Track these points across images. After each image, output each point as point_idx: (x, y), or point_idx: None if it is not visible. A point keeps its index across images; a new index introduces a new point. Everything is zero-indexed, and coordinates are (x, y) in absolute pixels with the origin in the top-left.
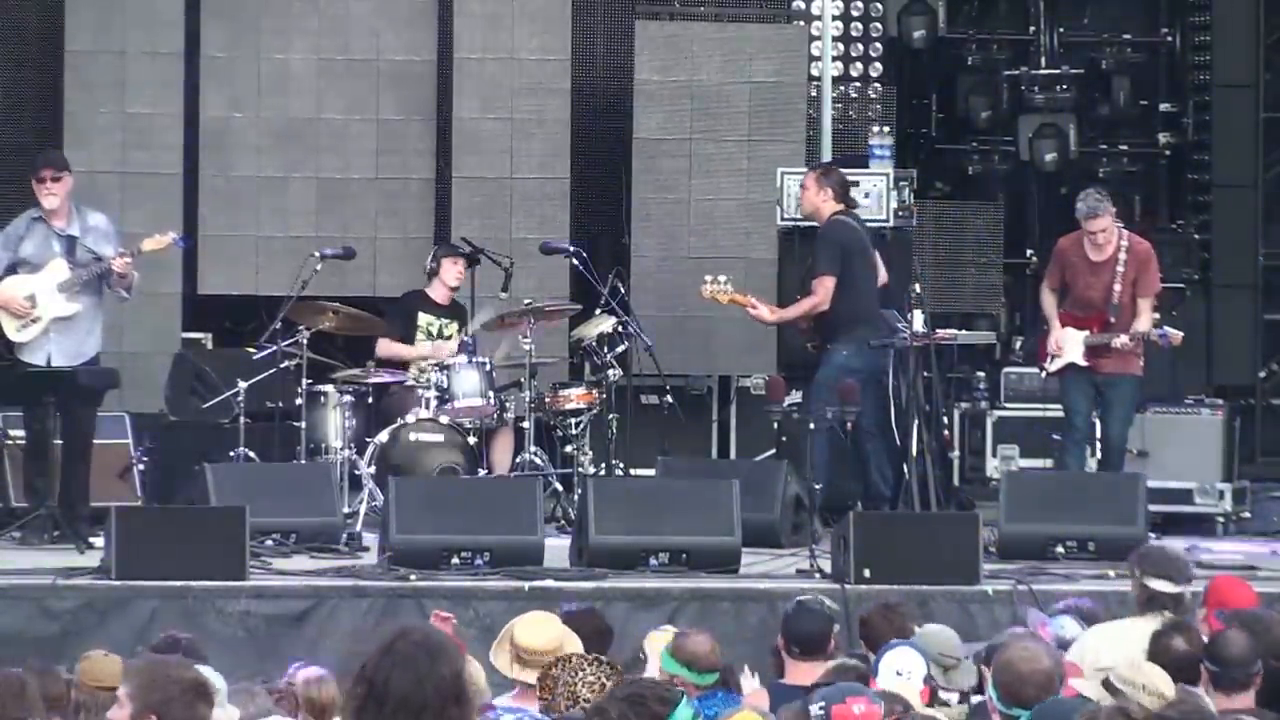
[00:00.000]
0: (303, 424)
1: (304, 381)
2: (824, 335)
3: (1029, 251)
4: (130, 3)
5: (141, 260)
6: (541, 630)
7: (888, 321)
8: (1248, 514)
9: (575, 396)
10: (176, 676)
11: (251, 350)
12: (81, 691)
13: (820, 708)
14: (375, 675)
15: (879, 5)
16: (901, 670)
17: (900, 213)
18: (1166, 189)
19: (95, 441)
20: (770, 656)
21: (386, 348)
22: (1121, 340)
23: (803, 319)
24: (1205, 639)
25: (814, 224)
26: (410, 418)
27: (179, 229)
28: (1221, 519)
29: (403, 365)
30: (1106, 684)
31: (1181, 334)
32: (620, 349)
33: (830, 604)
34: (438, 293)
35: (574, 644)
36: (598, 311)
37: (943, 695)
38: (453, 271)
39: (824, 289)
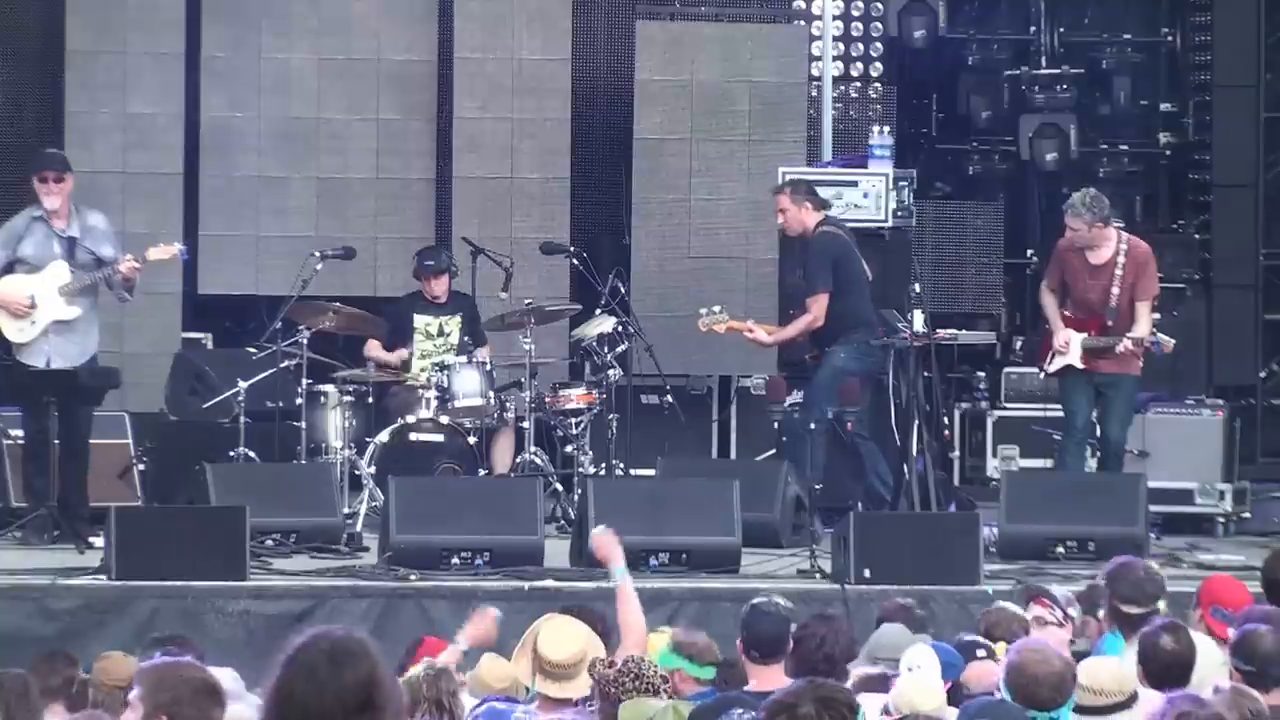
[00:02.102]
0: (303, 424)
1: (304, 381)
2: (822, 342)
3: (1029, 251)
4: (130, 3)
5: (145, 267)
6: (566, 641)
7: (884, 319)
8: (1248, 514)
9: (575, 396)
10: (187, 677)
11: (251, 350)
12: (99, 691)
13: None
14: (281, 686)
15: (879, 5)
16: (912, 665)
17: (900, 213)
18: (1167, 189)
19: (95, 441)
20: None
21: (369, 349)
22: (1124, 345)
23: (800, 336)
24: (1232, 638)
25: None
26: (410, 418)
27: (179, 229)
28: (1222, 519)
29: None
30: None
31: (1173, 341)
32: (620, 349)
33: (786, 604)
34: (428, 293)
35: (598, 650)
36: (598, 311)
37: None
38: (427, 286)
39: (819, 306)
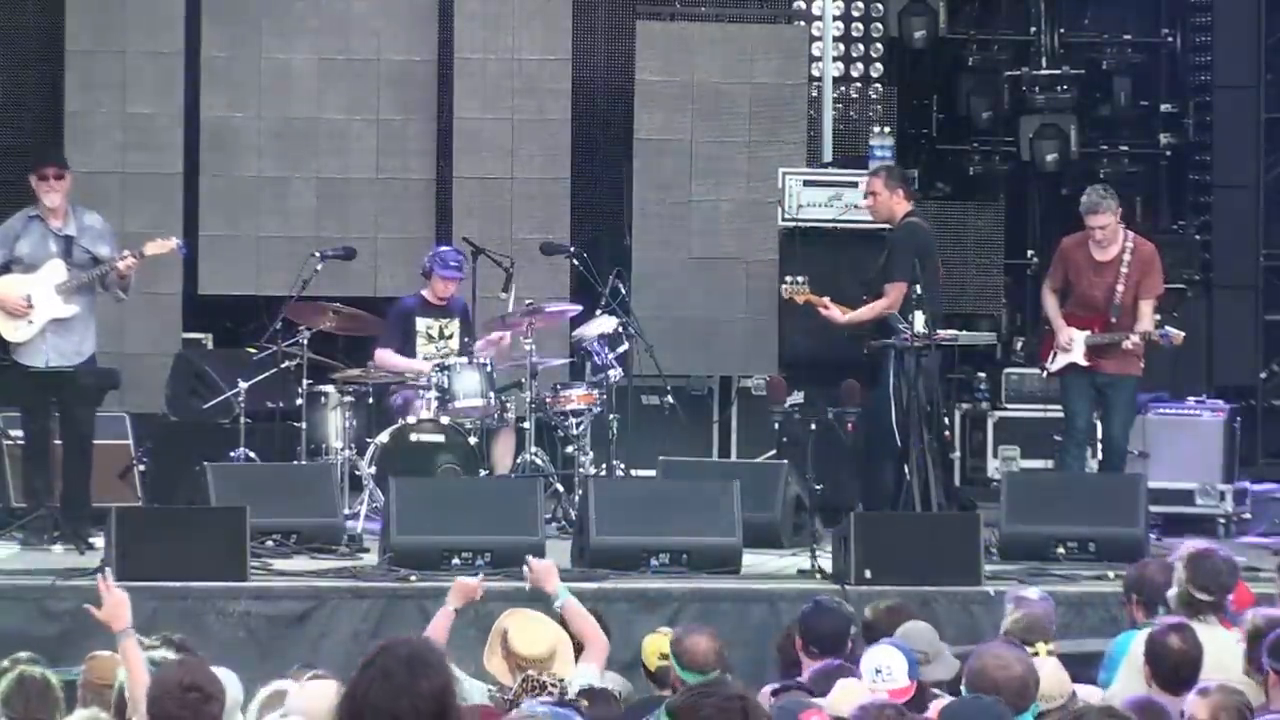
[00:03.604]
0: (303, 424)
1: (304, 382)
2: (885, 331)
3: (1030, 252)
4: (130, 3)
5: (142, 262)
6: (538, 636)
7: (886, 320)
8: (1248, 515)
9: (576, 397)
10: (175, 678)
11: (252, 350)
12: (88, 690)
13: None
14: (356, 689)
15: (879, 5)
16: (881, 668)
17: None
18: (1167, 190)
19: (95, 441)
20: (778, 654)
21: (384, 358)
22: (1132, 340)
23: (873, 321)
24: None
25: (818, 225)
26: (411, 418)
27: (179, 229)
28: (1222, 520)
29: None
30: None
31: (1183, 334)
32: (621, 349)
33: (846, 604)
34: (434, 294)
35: (565, 640)
36: (598, 312)
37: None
38: (441, 287)
39: (898, 293)
